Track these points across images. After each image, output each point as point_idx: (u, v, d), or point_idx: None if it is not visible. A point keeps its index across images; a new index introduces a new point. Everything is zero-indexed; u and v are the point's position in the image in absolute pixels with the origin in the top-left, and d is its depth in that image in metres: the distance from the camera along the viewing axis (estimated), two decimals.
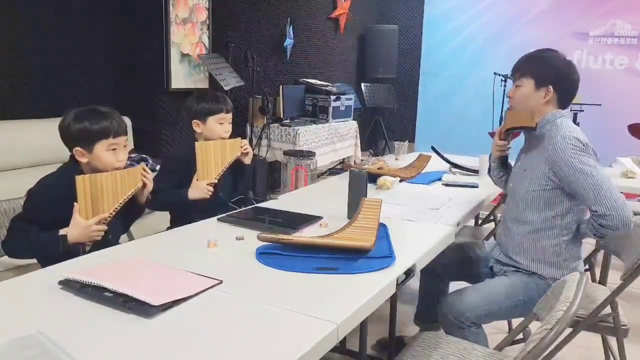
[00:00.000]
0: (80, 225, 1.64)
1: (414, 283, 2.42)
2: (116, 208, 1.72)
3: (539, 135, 1.89)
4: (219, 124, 2.28)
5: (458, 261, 2.16)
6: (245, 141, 2.32)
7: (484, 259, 2.12)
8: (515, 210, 1.93)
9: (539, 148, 1.86)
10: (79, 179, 1.63)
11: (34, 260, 1.78)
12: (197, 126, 2.28)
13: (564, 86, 1.87)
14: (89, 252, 1.62)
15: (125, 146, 1.79)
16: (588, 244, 1.96)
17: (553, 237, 1.84)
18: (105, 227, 1.69)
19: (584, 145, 1.75)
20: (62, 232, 1.64)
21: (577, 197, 1.78)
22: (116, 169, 1.74)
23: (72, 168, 1.74)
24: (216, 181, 2.19)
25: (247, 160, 2.34)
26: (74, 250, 1.63)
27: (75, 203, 1.64)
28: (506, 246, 1.95)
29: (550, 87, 1.85)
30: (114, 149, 1.74)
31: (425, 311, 2.33)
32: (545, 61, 1.88)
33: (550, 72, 1.85)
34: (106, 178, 1.69)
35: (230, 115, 2.32)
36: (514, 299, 1.83)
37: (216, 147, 2.19)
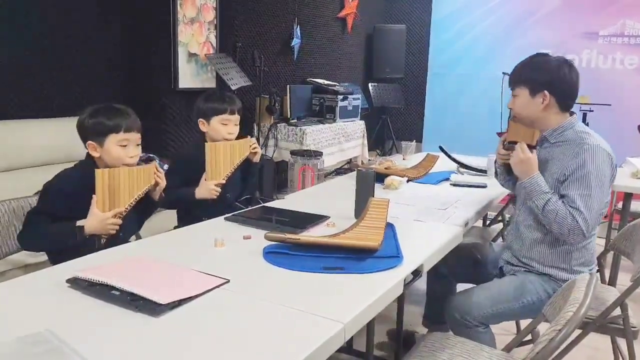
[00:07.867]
0: (98, 217, 1.68)
1: (422, 283, 2.41)
2: (131, 203, 1.76)
3: (556, 144, 1.86)
4: (223, 124, 2.25)
5: (465, 263, 2.15)
6: (254, 140, 2.31)
7: (492, 260, 2.11)
8: (528, 218, 1.89)
9: (556, 157, 1.83)
10: (99, 172, 1.69)
11: (43, 259, 1.79)
12: (203, 125, 2.28)
13: (560, 88, 1.81)
14: (103, 245, 1.67)
15: (138, 144, 1.82)
16: (598, 245, 1.95)
17: (566, 243, 1.81)
18: (120, 221, 1.73)
19: (612, 163, 1.77)
20: (79, 223, 1.68)
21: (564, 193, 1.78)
22: (126, 165, 1.78)
23: (88, 163, 1.79)
24: (224, 182, 2.20)
25: (256, 159, 2.34)
26: (89, 242, 1.67)
27: (93, 195, 1.68)
28: (518, 250, 1.93)
29: (546, 91, 1.81)
30: (124, 145, 1.77)
31: (433, 313, 2.32)
32: (536, 66, 1.84)
33: (542, 77, 1.81)
34: (124, 173, 1.74)
35: (236, 117, 2.28)
36: (522, 299, 1.81)
37: (226, 149, 2.20)
